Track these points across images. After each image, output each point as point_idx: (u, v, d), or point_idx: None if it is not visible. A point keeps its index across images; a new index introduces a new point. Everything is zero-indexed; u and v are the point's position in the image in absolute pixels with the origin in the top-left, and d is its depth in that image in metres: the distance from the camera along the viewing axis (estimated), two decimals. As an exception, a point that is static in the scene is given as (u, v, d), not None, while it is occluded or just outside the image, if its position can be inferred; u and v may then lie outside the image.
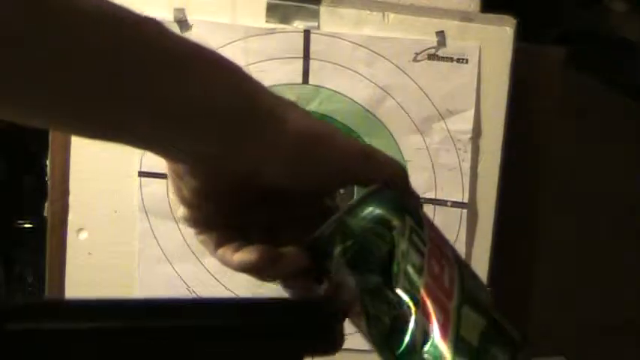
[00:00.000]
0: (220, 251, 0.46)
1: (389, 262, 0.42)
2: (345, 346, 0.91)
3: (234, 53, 0.83)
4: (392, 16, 0.83)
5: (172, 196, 0.46)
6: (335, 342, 0.45)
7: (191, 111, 0.40)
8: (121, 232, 0.86)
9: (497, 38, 0.83)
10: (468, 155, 0.84)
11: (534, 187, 0.95)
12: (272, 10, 0.83)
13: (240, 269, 0.46)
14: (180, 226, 0.86)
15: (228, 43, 0.83)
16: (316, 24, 0.83)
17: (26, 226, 1.01)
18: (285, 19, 0.83)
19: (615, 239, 0.96)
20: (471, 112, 0.84)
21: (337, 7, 0.83)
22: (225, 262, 0.47)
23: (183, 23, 0.83)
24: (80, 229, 0.86)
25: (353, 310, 0.44)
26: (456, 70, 0.84)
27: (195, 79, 0.40)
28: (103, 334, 0.37)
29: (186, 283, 0.86)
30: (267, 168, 0.43)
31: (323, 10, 0.83)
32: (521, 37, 0.83)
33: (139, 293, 0.86)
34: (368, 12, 0.83)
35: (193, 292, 0.86)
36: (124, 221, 0.85)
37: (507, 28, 0.83)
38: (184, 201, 0.45)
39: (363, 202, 0.44)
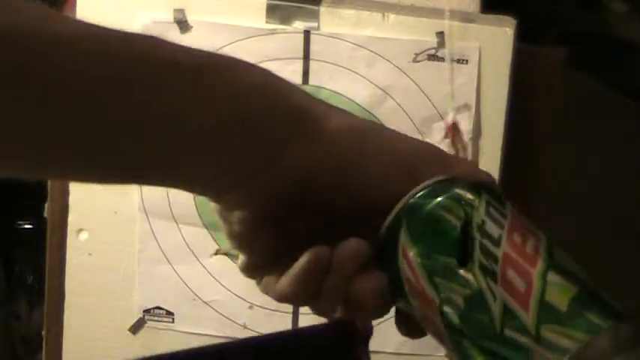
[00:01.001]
0: (278, 286, 0.41)
1: (462, 240, 0.38)
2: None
3: (234, 54, 0.83)
4: (392, 16, 0.83)
5: (227, 240, 0.42)
6: None
7: (223, 119, 0.37)
8: (121, 233, 0.86)
9: (497, 38, 0.83)
10: (468, 155, 0.84)
11: (534, 187, 0.95)
12: (272, 11, 0.83)
13: (296, 285, 0.40)
14: (180, 225, 0.86)
15: (228, 44, 0.83)
16: (316, 25, 0.83)
17: (26, 226, 1.01)
18: (285, 19, 0.83)
19: (615, 239, 0.96)
20: (471, 112, 0.84)
21: (337, 8, 0.83)
22: (282, 294, 0.41)
23: (183, 24, 0.83)
24: (80, 230, 0.86)
25: (420, 300, 0.40)
26: (456, 71, 0.84)
27: (221, 81, 0.37)
28: None
29: (186, 284, 0.86)
30: (317, 173, 0.38)
31: (323, 10, 0.83)
32: (521, 37, 0.83)
33: (138, 294, 0.86)
34: (368, 12, 0.83)
35: (193, 292, 0.86)
36: (124, 221, 0.85)
37: (507, 29, 0.83)
38: (237, 238, 0.41)
39: (433, 184, 0.40)
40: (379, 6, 0.83)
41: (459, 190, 0.40)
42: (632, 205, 0.97)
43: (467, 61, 0.84)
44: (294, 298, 0.40)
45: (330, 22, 0.83)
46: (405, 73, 0.83)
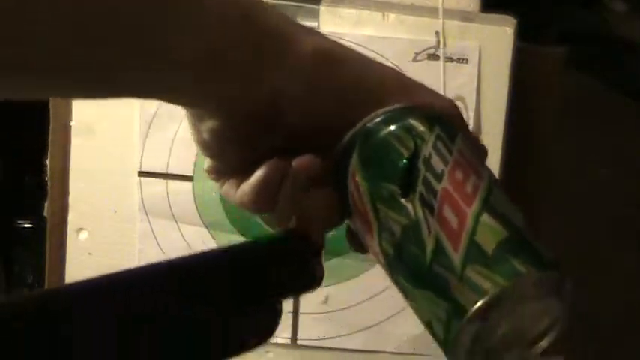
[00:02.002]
0: (238, 193, 0.43)
1: (409, 170, 0.39)
2: (345, 345, 0.91)
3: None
4: (392, 16, 0.83)
5: (194, 142, 0.44)
6: (315, 277, 0.42)
7: (210, 47, 0.37)
8: (121, 232, 0.86)
9: (497, 38, 0.83)
10: (468, 155, 0.84)
11: (534, 187, 0.95)
12: (272, 10, 0.83)
13: (254, 194, 0.42)
14: (180, 225, 0.86)
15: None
16: (316, 24, 0.83)
17: (26, 226, 1.01)
18: (285, 19, 0.83)
19: (615, 239, 0.96)
20: (471, 112, 0.84)
21: (337, 7, 0.83)
22: (242, 201, 0.43)
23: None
24: (80, 229, 0.86)
25: (363, 223, 0.41)
26: (456, 70, 0.84)
27: (201, 11, 0.37)
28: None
29: (186, 283, 0.86)
30: (286, 96, 0.39)
31: (323, 10, 0.83)
32: (521, 37, 0.83)
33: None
34: (368, 12, 0.83)
35: (193, 292, 0.86)
36: (124, 221, 0.85)
37: (507, 28, 0.83)
38: (204, 146, 0.43)
39: (390, 111, 0.41)
40: (379, 5, 0.83)
41: (412, 121, 0.40)
42: (632, 205, 0.97)
43: (467, 60, 0.84)
44: (251, 205, 0.43)
45: (330, 21, 0.83)
46: (405, 72, 0.83)
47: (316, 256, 0.42)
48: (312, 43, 0.41)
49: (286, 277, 0.42)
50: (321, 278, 0.42)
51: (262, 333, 0.40)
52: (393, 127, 0.40)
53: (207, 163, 0.44)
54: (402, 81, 0.44)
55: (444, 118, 0.41)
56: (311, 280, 0.42)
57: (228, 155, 0.43)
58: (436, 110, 0.41)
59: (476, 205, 0.38)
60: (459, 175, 0.39)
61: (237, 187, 0.43)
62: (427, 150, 0.39)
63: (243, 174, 0.43)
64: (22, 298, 0.36)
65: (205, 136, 0.42)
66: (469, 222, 0.37)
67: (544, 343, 0.41)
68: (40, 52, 0.33)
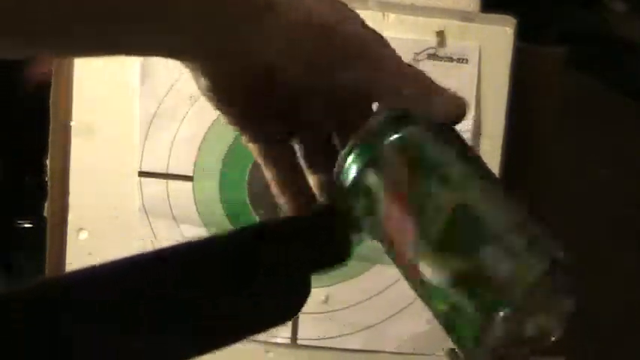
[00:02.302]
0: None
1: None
2: (345, 345, 0.91)
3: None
4: (392, 16, 0.83)
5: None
6: (343, 253, 0.43)
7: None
8: (121, 232, 0.86)
9: (497, 38, 0.83)
10: (468, 155, 0.84)
11: (534, 187, 0.95)
12: (272, 10, 0.83)
13: (276, 192, 0.46)
14: (180, 225, 0.86)
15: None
16: (316, 24, 0.83)
17: (26, 226, 1.01)
18: (285, 19, 0.83)
19: (615, 239, 0.96)
20: (471, 112, 0.84)
21: (337, 7, 0.83)
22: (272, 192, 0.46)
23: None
24: (80, 229, 0.86)
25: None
26: (456, 70, 0.84)
27: None
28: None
29: (186, 283, 0.86)
30: (280, 68, 0.40)
31: (323, 10, 0.83)
32: (521, 37, 0.83)
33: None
34: (368, 12, 0.83)
35: (193, 292, 0.86)
36: (124, 221, 0.85)
37: (507, 28, 0.83)
38: (208, 99, 0.44)
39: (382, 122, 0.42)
40: (379, 5, 0.83)
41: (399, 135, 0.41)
42: (632, 205, 0.97)
43: (467, 60, 0.84)
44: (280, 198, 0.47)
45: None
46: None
47: (350, 228, 0.43)
48: (304, 9, 0.41)
49: (315, 252, 0.42)
50: (349, 255, 0.43)
51: (291, 308, 0.41)
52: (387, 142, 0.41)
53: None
54: (401, 63, 0.45)
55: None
56: (339, 255, 0.43)
57: (225, 111, 0.44)
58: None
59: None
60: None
61: (255, 139, 0.45)
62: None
63: (259, 126, 0.45)
64: (20, 288, 0.36)
65: (202, 91, 0.43)
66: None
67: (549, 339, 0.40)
68: (40, 11, 0.34)
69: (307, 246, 0.42)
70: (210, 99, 0.43)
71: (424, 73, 0.45)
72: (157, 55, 0.41)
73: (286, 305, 0.40)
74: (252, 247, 0.40)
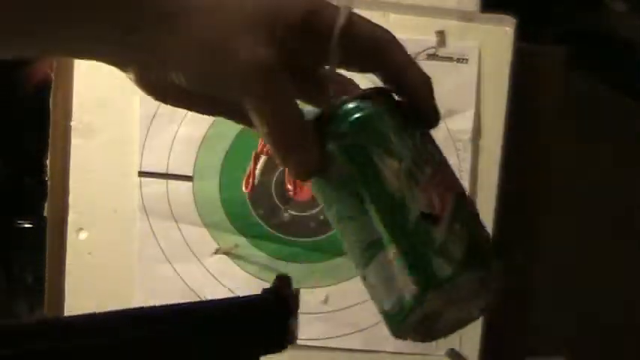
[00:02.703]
0: None
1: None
2: (345, 345, 0.91)
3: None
4: (392, 15, 0.83)
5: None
6: (286, 339, 0.44)
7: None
8: (121, 232, 0.86)
9: (497, 38, 0.83)
10: (468, 155, 0.84)
11: (534, 187, 0.94)
12: (272, 10, 0.83)
13: None
14: (180, 225, 0.86)
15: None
16: (316, 24, 0.83)
17: (26, 226, 1.01)
18: (285, 19, 0.83)
19: (615, 239, 0.96)
20: (471, 112, 0.84)
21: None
22: None
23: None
24: (80, 229, 0.86)
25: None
26: (456, 70, 0.84)
27: None
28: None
29: (186, 283, 0.86)
30: (173, 77, 0.41)
31: (323, 10, 0.83)
32: (521, 37, 0.83)
33: (138, 293, 0.86)
34: (368, 11, 0.83)
35: (193, 291, 0.86)
36: (124, 221, 0.85)
37: (507, 28, 0.83)
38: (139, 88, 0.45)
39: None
40: (379, 5, 0.83)
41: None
42: (632, 205, 0.97)
43: (467, 60, 0.84)
44: None
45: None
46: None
47: (292, 317, 0.45)
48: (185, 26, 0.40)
49: (262, 337, 0.43)
50: (295, 338, 0.44)
51: None
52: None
53: None
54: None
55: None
56: (286, 339, 0.44)
57: (170, 102, 0.46)
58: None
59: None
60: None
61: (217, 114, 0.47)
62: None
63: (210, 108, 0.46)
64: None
65: (138, 87, 0.44)
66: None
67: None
68: None
69: (255, 332, 0.43)
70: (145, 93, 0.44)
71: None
72: (84, 58, 0.43)
73: None
74: (207, 327, 0.41)
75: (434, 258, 0.39)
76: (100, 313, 0.39)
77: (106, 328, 0.38)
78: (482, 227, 0.43)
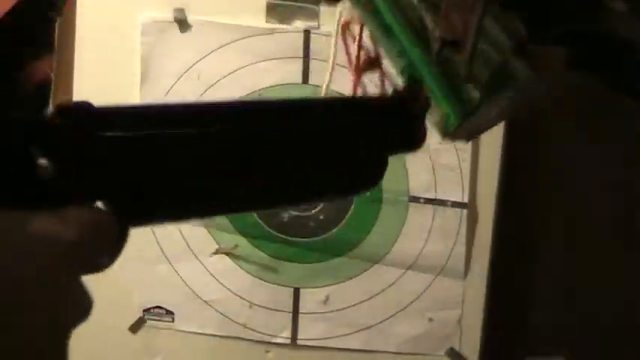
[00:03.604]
0: None
1: None
2: (345, 345, 0.91)
3: (234, 53, 0.83)
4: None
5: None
6: (418, 138, 0.44)
7: None
8: (121, 232, 0.86)
9: (497, 38, 0.83)
10: (468, 155, 0.84)
11: (534, 187, 0.94)
12: (272, 11, 0.83)
13: None
14: (180, 226, 0.86)
15: (228, 43, 0.83)
16: (316, 24, 0.83)
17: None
18: (285, 19, 0.83)
19: (615, 239, 0.96)
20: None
21: (337, 7, 0.83)
22: None
23: (183, 23, 0.83)
24: (80, 229, 0.85)
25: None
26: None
27: None
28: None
29: (186, 283, 0.86)
30: None
31: (323, 10, 0.83)
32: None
33: (138, 293, 0.86)
34: (368, 12, 0.83)
35: (193, 291, 0.86)
36: (124, 221, 0.85)
37: (507, 28, 0.83)
38: None
39: None
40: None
41: None
42: (632, 205, 0.97)
43: (467, 60, 0.84)
44: None
45: (330, 21, 0.83)
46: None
47: (421, 117, 0.44)
48: None
49: (390, 134, 0.43)
50: (423, 140, 0.44)
51: (365, 183, 0.42)
52: None
53: None
54: None
55: None
56: (413, 139, 0.44)
57: None
58: None
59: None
60: None
61: None
62: None
63: None
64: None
65: None
66: None
67: None
68: None
69: (382, 129, 0.43)
70: None
71: None
72: None
73: (362, 178, 0.42)
74: (343, 117, 0.41)
75: (462, 84, 0.41)
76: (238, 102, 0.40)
77: (244, 118, 0.39)
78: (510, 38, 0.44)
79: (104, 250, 0.33)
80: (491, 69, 0.42)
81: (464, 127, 0.44)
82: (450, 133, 0.44)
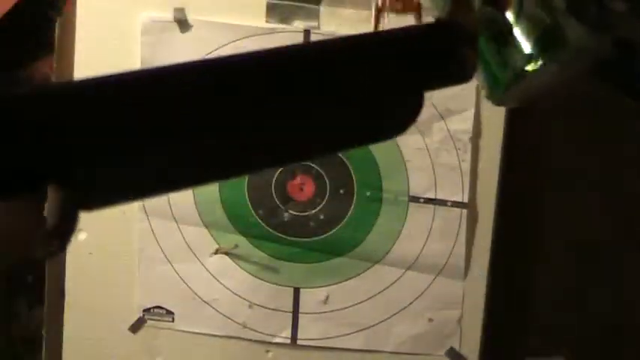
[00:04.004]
0: None
1: None
2: (345, 345, 0.91)
3: (234, 53, 0.83)
4: (392, 15, 0.83)
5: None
6: (465, 66, 0.39)
7: None
8: (121, 232, 0.86)
9: (497, 38, 0.83)
10: (468, 155, 0.84)
11: (534, 187, 0.95)
12: (272, 10, 0.83)
13: None
14: (180, 225, 0.86)
15: (228, 43, 0.83)
16: (316, 24, 0.83)
17: (26, 226, 1.01)
18: (285, 19, 0.83)
19: (615, 239, 0.96)
20: (471, 112, 0.84)
21: (337, 7, 0.83)
22: None
23: (183, 23, 0.83)
24: (80, 230, 0.86)
25: None
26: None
27: None
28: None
29: (186, 283, 0.86)
30: None
31: (323, 10, 0.83)
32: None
33: (139, 293, 0.86)
34: (368, 12, 0.83)
35: (193, 291, 0.86)
36: (124, 221, 0.85)
37: (507, 28, 0.83)
38: None
39: None
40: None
41: None
42: (632, 206, 0.97)
43: (467, 60, 0.84)
44: None
45: (331, 21, 0.83)
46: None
47: (469, 44, 0.39)
48: None
49: (432, 66, 0.39)
50: (473, 69, 0.39)
51: (401, 123, 0.38)
52: None
53: None
54: None
55: None
56: (460, 70, 0.39)
57: None
58: None
59: None
60: None
61: None
62: None
63: None
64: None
65: None
66: None
67: None
68: None
69: (424, 61, 0.38)
70: None
71: None
72: None
73: (397, 119, 0.38)
74: (370, 54, 0.37)
75: (507, 46, 0.39)
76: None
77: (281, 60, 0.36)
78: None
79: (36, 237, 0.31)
80: (541, 30, 0.39)
81: (512, 92, 0.41)
82: (496, 98, 0.42)
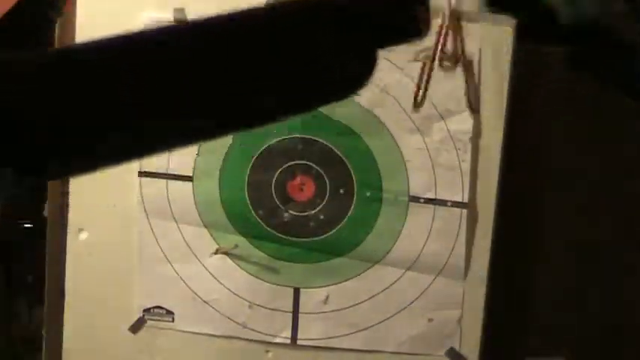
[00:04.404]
0: None
1: None
2: (345, 345, 0.91)
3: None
4: None
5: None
6: (419, 25, 0.40)
7: None
8: (121, 232, 0.86)
9: (497, 38, 0.83)
10: (468, 155, 0.84)
11: (534, 187, 0.94)
12: (272, 10, 0.83)
13: None
14: (180, 225, 0.86)
15: (228, 43, 0.83)
16: (316, 24, 0.83)
17: (26, 226, 1.01)
18: (285, 19, 0.83)
19: (615, 239, 0.96)
20: (471, 112, 0.84)
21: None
22: None
23: (183, 23, 0.83)
24: (80, 229, 0.86)
25: None
26: (456, 70, 0.84)
27: None
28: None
29: (186, 283, 0.86)
30: None
31: (323, 10, 0.83)
32: (521, 37, 0.83)
33: (138, 293, 0.86)
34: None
35: (193, 291, 0.86)
36: (124, 221, 0.86)
37: (507, 28, 0.83)
38: None
39: None
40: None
41: None
42: (632, 205, 0.97)
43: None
44: None
45: (330, 21, 0.83)
46: (404, 72, 0.83)
47: (423, 4, 0.40)
48: None
49: (385, 23, 0.39)
50: (427, 27, 0.40)
51: (355, 82, 0.39)
52: None
53: None
54: None
55: None
56: (413, 26, 0.40)
57: None
58: None
59: None
60: None
61: None
62: None
63: None
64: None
65: None
66: None
67: None
68: None
69: (376, 16, 0.39)
70: None
71: None
72: None
73: (351, 78, 0.39)
74: (324, 15, 0.38)
75: None
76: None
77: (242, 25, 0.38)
78: None
79: None
80: None
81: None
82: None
